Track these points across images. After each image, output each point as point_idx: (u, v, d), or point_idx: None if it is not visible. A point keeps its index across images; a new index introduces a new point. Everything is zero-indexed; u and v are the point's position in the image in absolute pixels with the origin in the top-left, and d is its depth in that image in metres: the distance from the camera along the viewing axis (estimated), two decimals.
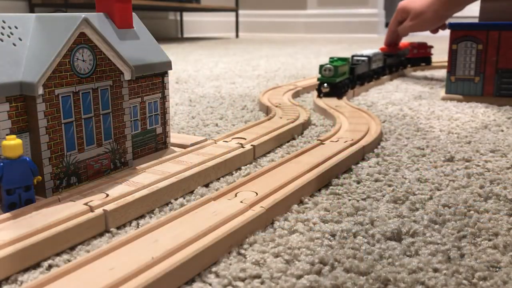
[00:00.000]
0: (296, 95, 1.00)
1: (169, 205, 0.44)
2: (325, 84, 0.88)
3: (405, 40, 1.33)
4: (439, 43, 2.63)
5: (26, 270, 0.33)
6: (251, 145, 0.57)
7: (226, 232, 0.35)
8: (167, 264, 0.31)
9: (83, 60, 0.42)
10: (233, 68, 1.51)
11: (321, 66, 0.88)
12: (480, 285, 0.31)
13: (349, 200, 0.45)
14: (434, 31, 1.17)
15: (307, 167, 0.49)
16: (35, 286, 0.28)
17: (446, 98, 0.95)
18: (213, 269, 0.33)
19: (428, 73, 1.38)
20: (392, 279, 0.32)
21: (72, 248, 0.36)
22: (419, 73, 1.37)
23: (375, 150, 0.60)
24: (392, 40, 1.26)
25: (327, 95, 0.89)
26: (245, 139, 0.60)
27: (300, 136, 0.68)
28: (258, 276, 0.32)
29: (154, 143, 0.54)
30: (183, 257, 0.32)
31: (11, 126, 0.39)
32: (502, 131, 0.70)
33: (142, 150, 0.52)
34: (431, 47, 1.42)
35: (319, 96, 0.90)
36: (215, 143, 0.58)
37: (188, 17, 3.79)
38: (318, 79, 0.89)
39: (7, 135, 0.38)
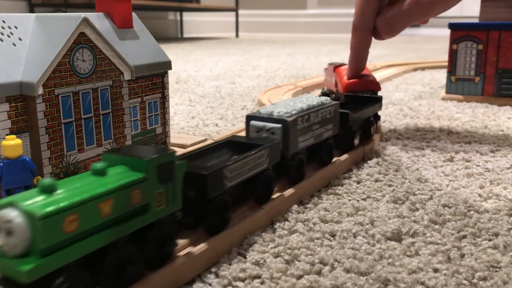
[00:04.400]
0: (296, 95, 1.00)
1: None
2: None
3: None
4: (439, 43, 2.63)
5: None
6: None
7: (226, 232, 0.35)
8: (167, 264, 0.31)
9: (83, 60, 0.42)
10: (233, 68, 1.51)
11: None
12: (480, 285, 0.31)
13: (349, 200, 0.45)
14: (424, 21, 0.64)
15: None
16: None
17: (446, 98, 0.95)
18: (213, 269, 0.33)
19: (428, 73, 1.38)
20: (392, 279, 0.31)
21: None
22: (419, 73, 1.37)
23: (375, 150, 0.60)
24: (363, 61, 0.66)
25: None
26: None
27: None
28: (258, 276, 0.32)
29: (154, 143, 0.54)
30: (183, 257, 0.32)
31: (11, 126, 0.39)
32: (502, 131, 0.70)
33: None
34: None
35: None
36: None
37: (188, 17, 3.79)
38: None
39: (7, 135, 0.38)
